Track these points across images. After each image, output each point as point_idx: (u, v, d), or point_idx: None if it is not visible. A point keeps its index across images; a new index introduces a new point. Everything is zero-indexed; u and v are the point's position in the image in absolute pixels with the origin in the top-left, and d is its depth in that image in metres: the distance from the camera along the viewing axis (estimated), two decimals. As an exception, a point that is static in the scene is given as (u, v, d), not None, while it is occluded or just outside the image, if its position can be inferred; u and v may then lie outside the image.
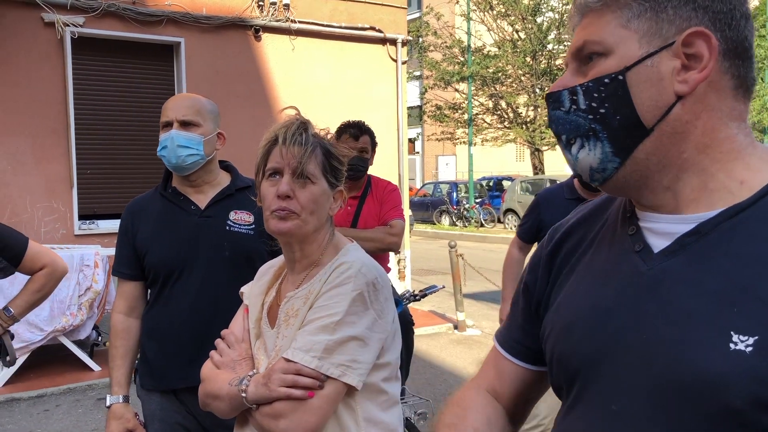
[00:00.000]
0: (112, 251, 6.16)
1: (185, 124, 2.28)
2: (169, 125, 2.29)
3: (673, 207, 0.91)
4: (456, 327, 7.66)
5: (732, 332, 0.78)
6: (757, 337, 0.76)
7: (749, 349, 0.76)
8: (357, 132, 3.51)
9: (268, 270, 1.71)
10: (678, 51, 0.87)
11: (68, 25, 6.71)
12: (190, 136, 2.27)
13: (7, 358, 2.57)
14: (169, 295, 2.28)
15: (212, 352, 1.60)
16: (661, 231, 0.92)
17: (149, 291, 2.38)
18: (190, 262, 2.26)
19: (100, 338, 6.35)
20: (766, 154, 0.90)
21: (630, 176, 0.91)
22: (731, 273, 0.82)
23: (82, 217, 7.03)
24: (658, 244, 0.91)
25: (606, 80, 0.89)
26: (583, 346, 0.94)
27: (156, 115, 7.63)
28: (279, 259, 1.68)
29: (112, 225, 6.91)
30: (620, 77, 0.88)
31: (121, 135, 7.21)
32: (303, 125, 1.52)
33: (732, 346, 0.77)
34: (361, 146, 3.50)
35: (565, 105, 0.94)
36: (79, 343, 6.09)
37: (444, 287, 3.48)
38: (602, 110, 0.90)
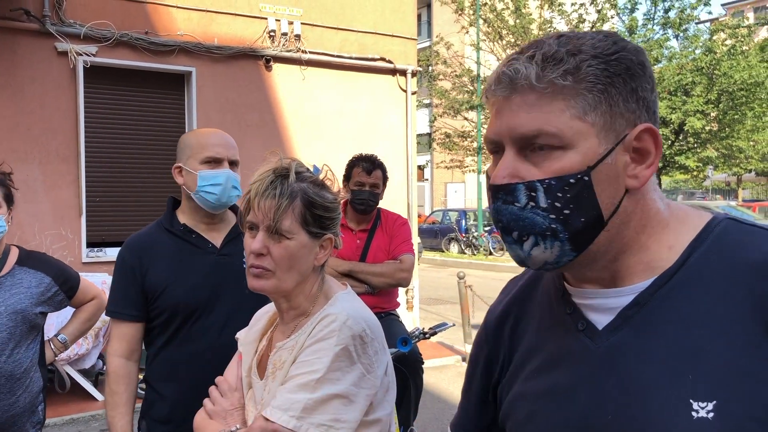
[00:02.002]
0: (119, 279, 6.16)
1: (233, 164, 2.25)
2: (217, 162, 2.22)
3: (610, 281, 0.91)
4: (464, 359, 7.56)
5: (691, 400, 0.79)
6: (715, 402, 0.78)
7: (711, 414, 0.78)
8: (370, 166, 3.50)
9: (262, 316, 1.65)
10: (629, 146, 0.87)
11: (81, 55, 6.77)
12: (238, 177, 2.25)
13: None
14: (188, 335, 2.18)
15: (205, 401, 1.55)
16: (600, 307, 0.91)
17: (155, 331, 2.26)
18: (212, 301, 2.19)
19: (105, 367, 6.28)
20: (680, 211, 0.93)
21: (579, 263, 0.90)
22: (676, 339, 0.83)
23: (90, 245, 7.01)
24: (600, 320, 0.91)
25: (571, 180, 0.85)
26: None
27: (167, 143, 7.63)
28: (273, 305, 1.61)
29: (120, 253, 6.89)
30: (586, 177, 0.85)
31: (131, 163, 7.22)
32: (280, 175, 1.43)
33: (694, 414, 0.79)
34: (373, 181, 3.49)
35: (521, 201, 0.87)
36: (84, 372, 6.04)
37: (454, 325, 3.43)
38: (566, 211, 0.86)
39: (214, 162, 2.21)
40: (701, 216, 0.92)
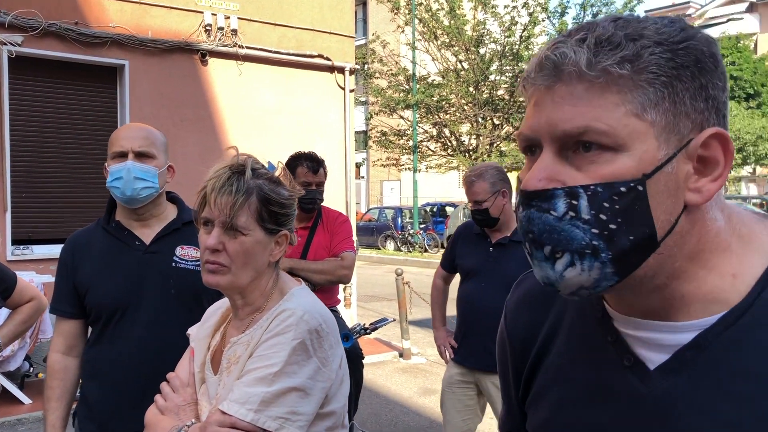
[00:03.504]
0: (46, 278, 5.95)
1: (141, 156, 2.20)
2: (122, 156, 2.20)
3: (659, 311, 0.77)
4: (401, 355, 7.65)
5: None
6: None
7: None
8: (315, 165, 3.52)
9: (215, 312, 1.66)
10: (694, 154, 0.72)
11: (5, 44, 6.49)
12: (146, 168, 2.20)
13: None
14: (112, 334, 2.18)
15: (157, 397, 1.54)
16: (650, 341, 0.78)
17: (90, 329, 2.28)
18: (135, 300, 2.17)
19: (32, 369, 6.07)
20: (744, 228, 0.78)
21: (620, 289, 0.75)
22: (749, 398, 0.70)
23: (15, 242, 6.74)
24: (650, 357, 0.78)
25: (622, 188, 0.70)
26: None
27: (98, 138, 7.42)
28: (226, 301, 1.62)
29: (48, 251, 6.66)
30: (640, 187, 0.70)
31: (61, 158, 6.98)
32: (237, 172, 1.44)
33: None
34: (318, 180, 3.52)
35: (559, 209, 0.72)
36: (9, 375, 5.81)
37: (394, 320, 3.49)
38: (612, 225, 0.71)
39: (119, 156, 2.20)
40: None
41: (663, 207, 0.71)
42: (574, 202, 0.71)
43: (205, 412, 1.46)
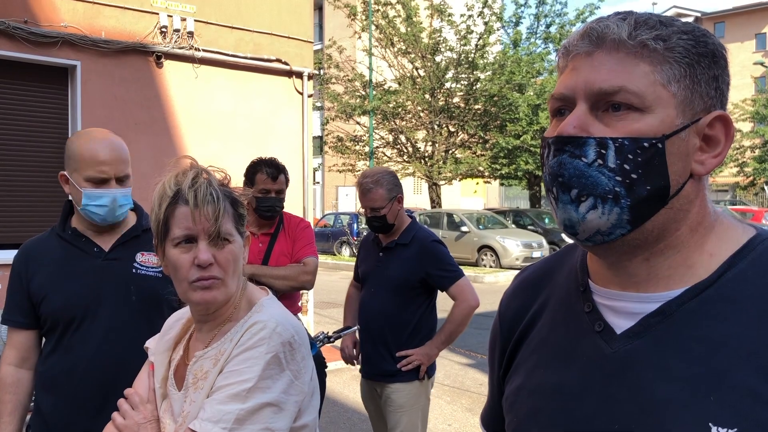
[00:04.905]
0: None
1: (122, 179, 2.13)
2: (105, 182, 2.09)
3: (640, 282, 0.86)
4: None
5: (710, 424, 0.75)
6: (736, 430, 0.74)
7: None
8: (275, 172, 3.45)
9: (174, 324, 1.58)
10: (701, 131, 0.83)
11: (-50, 42, 6.24)
12: (126, 192, 2.15)
13: None
14: (69, 344, 2.10)
15: (114, 414, 1.46)
16: (622, 310, 0.87)
17: (44, 340, 2.20)
18: (93, 308, 2.10)
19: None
20: (724, 218, 0.89)
21: (627, 243, 0.85)
22: (701, 358, 0.79)
23: (-42, 248, 6.47)
24: (619, 324, 0.87)
25: (645, 144, 0.80)
26: None
27: (48, 140, 7.17)
28: (186, 311, 1.55)
29: (-7, 256, 6.41)
30: (660, 145, 0.80)
31: (7, 161, 6.72)
32: (208, 179, 1.38)
33: None
34: (278, 187, 3.46)
35: (589, 156, 0.82)
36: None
37: (359, 328, 3.46)
38: (634, 175, 0.80)
39: (102, 182, 2.10)
40: (745, 229, 0.88)
41: (675, 167, 0.82)
42: (603, 151, 0.81)
43: (169, 430, 1.40)
